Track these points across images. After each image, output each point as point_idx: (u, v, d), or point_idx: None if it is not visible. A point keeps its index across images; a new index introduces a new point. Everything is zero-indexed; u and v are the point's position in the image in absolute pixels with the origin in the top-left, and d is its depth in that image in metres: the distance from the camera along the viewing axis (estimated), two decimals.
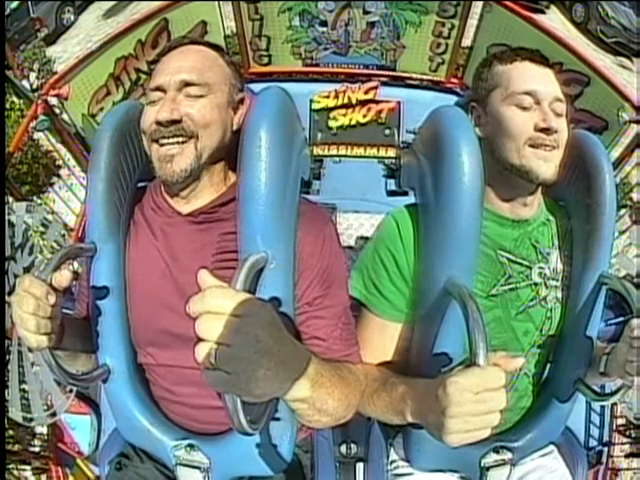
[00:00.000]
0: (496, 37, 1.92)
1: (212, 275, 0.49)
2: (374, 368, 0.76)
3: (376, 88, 2.10)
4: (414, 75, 2.11)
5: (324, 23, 2.03)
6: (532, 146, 0.73)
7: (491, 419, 0.54)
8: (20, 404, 1.30)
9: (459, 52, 2.05)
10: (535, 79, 0.75)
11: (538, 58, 0.78)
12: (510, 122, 0.74)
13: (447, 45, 2.03)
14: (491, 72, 0.79)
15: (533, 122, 0.73)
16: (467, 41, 2.04)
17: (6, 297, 1.06)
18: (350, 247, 2.19)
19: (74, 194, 2.09)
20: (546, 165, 0.73)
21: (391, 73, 2.12)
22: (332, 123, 2.13)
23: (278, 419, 0.69)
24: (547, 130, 0.73)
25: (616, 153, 1.84)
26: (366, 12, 2.02)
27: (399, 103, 2.09)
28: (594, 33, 5.86)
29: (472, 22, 1.98)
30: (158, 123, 0.69)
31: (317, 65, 2.12)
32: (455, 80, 2.10)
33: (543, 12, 5.59)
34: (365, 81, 2.11)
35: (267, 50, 2.07)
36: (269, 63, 2.11)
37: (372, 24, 2.03)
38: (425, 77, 2.10)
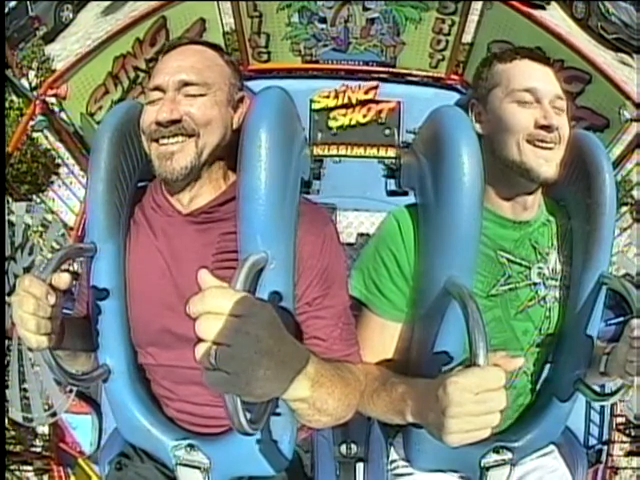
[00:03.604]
0: (496, 34, 1.91)
1: (212, 275, 0.49)
2: (374, 368, 0.76)
3: (376, 88, 2.10)
4: (414, 72, 2.11)
5: (323, 20, 2.03)
6: (532, 142, 0.73)
7: (491, 419, 0.54)
8: (20, 404, 1.31)
9: (459, 49, 2.04)
10: (535, 77, 0.75)
11: (538, 56, 0.77)
12: (510, 118, 0.74)
13: (447, 42, 2.02)
14: (491, 71, 0.78)
15: (534, 118, 0.73)
16: (467, 37, 2.03)
17: (6, 297, 1.06)
18: (350, 244, 2.20)
19: (73, 193, 2.09)
20: (547, 164, 0.73)
21: (391, 70, 2.11)
22: (332, 123, 2.13)
23: (279, 414, 0.69)
24: (547, 127, 0.72)
25: (617, 151, 1.84)
26: (366, 9, 2.01)
27: (399, 103, 2.09)
28: (595, 29, 5.83)
29: (472, 18, 1.97)
30: (158, 123, 0.69)
31: (317, 62, 2.11)
32: (455, 77, 2.10)
33: (544, 8, 5.56)
34: (365, 79, 2.10)
35: (266, 47, 2.07)
36: (268, 60, 2.10)
37: (372, 20, 2.02)
38: (425, 74, 2.10)
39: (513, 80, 0.75)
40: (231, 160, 0.73)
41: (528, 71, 0.75)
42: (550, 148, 0.73)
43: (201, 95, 0.70)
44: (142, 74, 1.88)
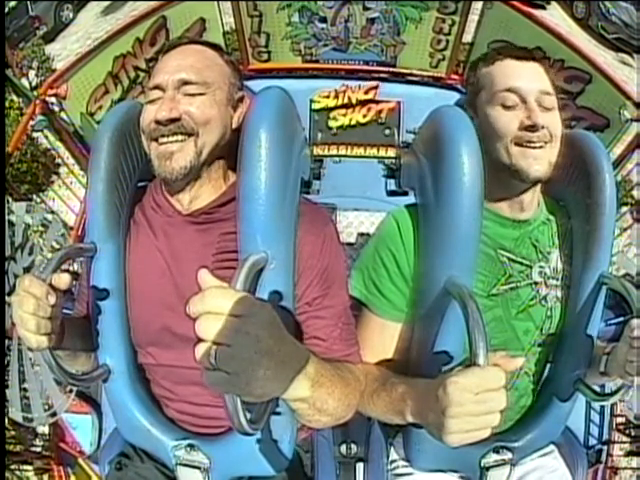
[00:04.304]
0: (497, 33, 1.92)
1: (212, 275, 0.49)
2: (374, 368, 0.76)
3: (376, 88, 2.10)
4: (415, 71, 2.11)
5: (324, 19, 2.03)
6: (519, 144, 0.72)
7: (491, 419, 0.54)
8: (20, 404, 1.31)
9: (460, 48, 2.05)
10: (518, 75, 0.74)
11: (521, 53, 0.76)
12: (496, 122, 0.73)
13: (448, 41, 2.02)
14: (476, 75, 0.78)
15: (518, 120, 0.72)
16: (468, 37, 2.03)
17: (6, 297, 1.06)
18: (350, 244, 2.20)
19: (73, 193, 2.10)
20: (537, 163, 0.72)
21: (391, 69, 2.12)
22: (332, 123, 2.13)
23: (279, 414, 0.69)
24: (532, 127, 0.71)
25: (618, 150, 1.84)
26: (366, 8, 2.01)
27: (399, 103, 2.09)
28: (595, 29, 5.83)
29: (473, 18, 1.97)
30: (157, 122, 0.69)
31: (317, 61, 2.11)
32: (456, 76, 2.10)
33: (544, 8, 5.56)
34: (365, 79, 2.10)
35: (266, 47, 2.07)
36: (268, 60, 2.10)
37: (372, 20, 2.03)
38: (426, 73, 2.10)
39: (495, 81, 0.74)
40: (231, 160, 0.73)
41: (510, 71, 0.74)
42: (540, 147, 0.72)
43: (200, 94, 0.71)
44: (142, 74, 1.89)
